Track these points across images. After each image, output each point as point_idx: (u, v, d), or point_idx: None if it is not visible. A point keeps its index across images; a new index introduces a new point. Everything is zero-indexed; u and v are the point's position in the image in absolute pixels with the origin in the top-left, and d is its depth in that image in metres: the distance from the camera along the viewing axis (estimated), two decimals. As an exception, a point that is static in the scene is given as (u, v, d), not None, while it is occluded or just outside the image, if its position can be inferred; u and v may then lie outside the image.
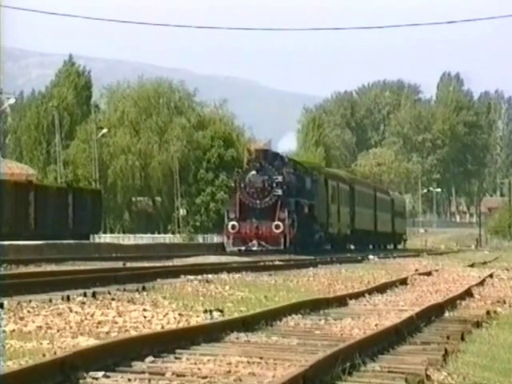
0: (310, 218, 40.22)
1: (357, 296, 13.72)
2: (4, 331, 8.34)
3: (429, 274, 21.83)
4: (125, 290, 13.28)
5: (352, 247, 52.14)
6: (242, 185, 37.86)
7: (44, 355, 6.73)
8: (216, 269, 19.60)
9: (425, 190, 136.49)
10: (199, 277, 16.89)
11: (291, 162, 41.93)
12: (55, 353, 6.86)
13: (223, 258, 27.16)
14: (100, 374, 6.16)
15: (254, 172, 37.97)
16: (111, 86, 78.71)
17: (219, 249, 38.57)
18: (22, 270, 18.50)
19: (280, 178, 37.72)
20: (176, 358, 7.12)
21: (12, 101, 66.62)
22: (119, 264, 21.41)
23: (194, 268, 19.67)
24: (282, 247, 36.27)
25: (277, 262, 25.48)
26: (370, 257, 34.89)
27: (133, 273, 17.03)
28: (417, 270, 24.43)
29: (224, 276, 17.86)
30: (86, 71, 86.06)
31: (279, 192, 37.37)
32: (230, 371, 6.50)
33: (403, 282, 18.08)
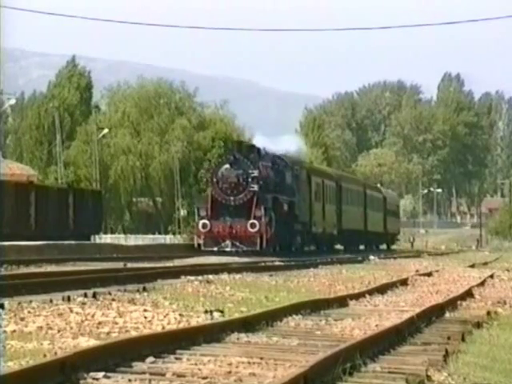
0: (290, 217, 37.07)
1: (357, 296, 13.72)
2: (5, 331, 8.34)
3: (429, 274, 21.83)
4: (125, 290, 13.29)
5: (341, 248, 49.26)
6: (215, 179, 34.75)
7: (45, 356, 6.73)
8: (216, 269, 19.61)
9: (425, 191, 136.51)
10: (200, 277, 16.90)
11: (269, 155, 38.64)
12: (56, 353, 6.86)
13: (224, 259, 27.15)
14: (100, 374, 6.16)
15: (227, 166, 34.77)
16: (112, 86, 78.74)
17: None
18: (23, 270, 18.51)
19: (256, 173, 34.54)
20: (176, 358, 7.12)
21: (13, 101, 66.68)
22: (120, 264, 21.42)
23: (195, 268, 19.69)
24: (257, 248, 33.37)
25: (277, 263, 25.47)
26: (371, 257, 34.89)
27: (133, 273, 17.05)
28: (417, 270, 24.43)
29: (224, 276, 17.87)
30: (86, 72, 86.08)
31: (255, 187, 34.25)
32: (230, 372, 6.50)
33: (404, 282, 18.08)
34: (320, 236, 42.81)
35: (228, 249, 33.43)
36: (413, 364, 7.27)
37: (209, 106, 76.79)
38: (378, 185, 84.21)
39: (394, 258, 38.61)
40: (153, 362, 6.85)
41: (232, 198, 34.14)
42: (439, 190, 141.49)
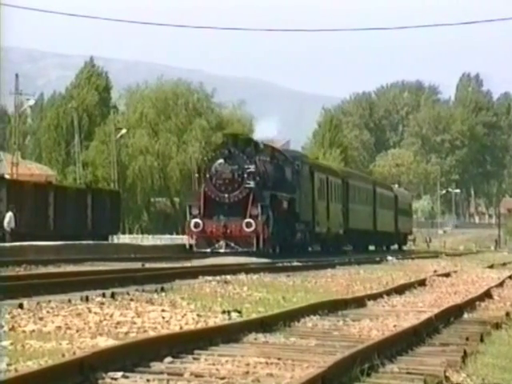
0: (290, 215, 34.61)
1: (375, 297, 13.68)
2: (24, 331, 8.39)
3: (447, 275, 21.76)
4: (143, 290, 13.32)
5: (350, 248, 46.40)
6: (208, 175, 32.35)
7: (63, 355, 6.76)
8: (234, 270, 19.62)
9: (444, 191, 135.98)
10: (217, 278, 16.91)
11: (268, 148, 36.12)
12: (74, 353, 6.88)
13: (241, 259, 27.14)
14: (119, 374, 6.18)
15: (221, 160, 32.31)
16: (130, 87, 78.95)
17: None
18: (42, 270, 18.60)
19: (252, 168, 32.20)
20: (194, 358, 7.13)
21: (32, 102, 66.96)
22: (138, 265, 21.49)
23: (213, 269, 19.70)
24: (254, 249, 31.23)
25: (295, 263, 25.46)
26: (389, 258, 34.82)
27: (151, 273, 17.09)
28: (435, 271, 24.35)
29: (242, 277, 17.87)
30: (105, 72, 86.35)
31: (251, 184, 31.93)
32: (248, 372, 6.50)
33: (422, 283, 18.03)
34: (324, 236, 40.57)
35: (222, 250, 31.42)
36: (431, 365, 7.25)
37: (226, 106, 76.88)
38: (396, 185, 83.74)
39: (412, 258, 38.49)
40: (171, 362, 6.86)
41: (226, 196, 32.07)
42: (457, 191, 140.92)
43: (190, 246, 32.21)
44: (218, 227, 31.68)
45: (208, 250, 31.34)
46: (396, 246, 59.16)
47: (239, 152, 32.54)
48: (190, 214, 32.38)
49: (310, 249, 39.45)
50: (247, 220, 31.40)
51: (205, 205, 32.04)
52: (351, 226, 44.95)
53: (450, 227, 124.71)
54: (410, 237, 67.37)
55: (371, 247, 52.09)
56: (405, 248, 61.04)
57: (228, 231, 31.58)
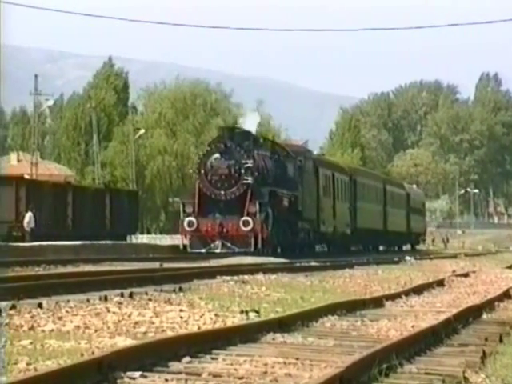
0: (291, 214, 32.61)
1: (393, 297, 13.66)
2: (43, 330, 8.43)
3: (466, 275, 21.67)
4: (161, 290, 13.35)
5: (359, 249, 45.34)
6: (203, 171, 30.48)
7: (82, 355, 6.79)
8: (252, 269, 19.63)
9: (462, 191, 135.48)
10: (235, 277, 16.92)
11: (268, 143, 34.32)
12: (93, 353, 6.91)
13: (259, 259, 27.15)
14: (137, 374, 6.20)
15: (217, 155, 30.48)
16: (148, 87, 79.18)
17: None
18: (61, 270, 18.68)
19: (250, 163, 30.34)
20: (212, 358, 7.14)
21: (51, 102, 67.28)
22: (156, 264, 21.53)
23: (230, 269, 19.72)
24: (252, 249, 29.48)
25: (313, 263, 25.44)
26: (407, 258, 34.74)
27: (169, 273, 17.13)
28: (454, 271, 24.26)
29: (260, 277, 17.87)
30: (123, 73, 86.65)
31: (249, 180, 30.11)
32: (266, 372, 6.51)
33: (440, 283, 17.97)
34: (330, 236, 38.56)
35: (218, 250, 29.63)
36: (450, 365, 7.23)
37: (244, 106, 76.96)
38: (414, 185, 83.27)
39: (431, 258, 38.37)
40: (189, 362, 6.87)
41: (222, 192, 30.26)
42: (476, 191, 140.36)
43: (184, 246, 30.58)
44: (213, 226, 29.96)
45: (203, 251, 29.64)
46: (409, 247, 57.68)
47: (236, 146, 30.68)
48: (184, 212, 30.65)
49: (316, 249, 38.10)
50: (244, 218, 29.63)
51: (199, 202, 30.28)
52: (359, 225, 43.19)
53: (471, 227, 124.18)
54: (428, 237, 66.51)
55: (380, 248, 50.41)
56: (418, 248, 59.46)
57: (224, 230, 29.84)
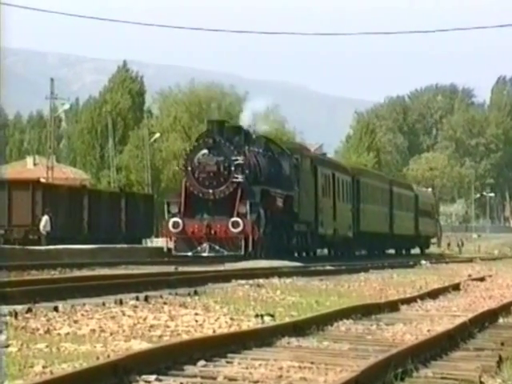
0: (286, 215, 30.75)
1: (409, 301, 13.62)
2: (59, 334, 8.46)
3: (482, 279, 21.59)
4: (177, 294, 13.37)
5: (363, 253, 43.85)
6: (190, 168, 28.58)
7: (97, 358, 6.81)
8: (267, 273, 19.64)
9: (478, 195, 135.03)
10: (250, 281, 16.93)
11: (262, 139, 32.12)
12: (108, 356, 6.93)
13: (274, 263, 27.14)
14: (152, 377, 6.21)
15: (205, 151, 28.49)
16: (163, 91, 79.34)
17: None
18: (76, 273, 18.75)
19: (241, 159, 28.38)
20: (227, 362, 7.14)
21: (67, 106, 67.54)
22: (171, 268, 21.58)
23: (245, 272, 19.73)
24: (242, 252, 27.70)
25: (328, 267, 25.41)
26: (423, 262, 34.67)
27: (185, 277, 17.16)
28: (470, 275, 24.17)
29: (275, 280, 17.87)
30: (138, 77, 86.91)
31: (239, 178, 28.22)
32: (281, 376, 6.51)
33: (456, 287, 17.91)
34: (330, 239, 36.67)
35: (205, 254, 27.82)
36: (466, 370, 7.20)
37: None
38: (430, 189, 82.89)
39: (446, 262, 38.26)
40: (204, 366, 6.88)
41: (210, 191, 28.39)
42: (492, 195, 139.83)
43: (169, 249, 28.74)
44: (200, 227, 27.97)
45: (189, 254, 27.89)
46: (418, 250, 56.11)
47: (226, 141, 28.67)
48: (169, 212, 28.67)
49: (312, 253, 36.23)
50: (234, 219, 27.69)
51: (186, 202, 28.32)
52: (363, 228, 41.41)
53: (487, 232, 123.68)
54: (444, 241, 65.70)
55: (386, 251, 49.17)
56: (428, 252, 57.82)
57: (212, 232, 27.90)
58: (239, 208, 27.87)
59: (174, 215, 28.37)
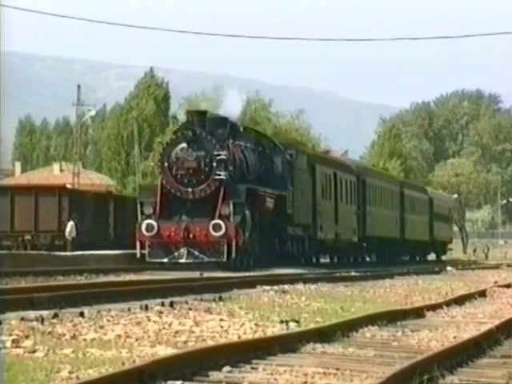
0: (278, 217, 27.80)
1: (434, 308, 13.56)
2: (85, 339, 8.50)
3: (508, 286, 21.42)
4: (202, 299, 13.40)
5: (372, 259, 41.28)
6: (166, 164, 25.49)
7: (123, 364, 6.83)
8: (292, 279, 19.63)
9: (504, 201, 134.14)
10: (275, 287, 16.93)
11: (251, 133, 29.32)
12: (134, 361, 6.95)
13: (299, 269, 27.08)
14: (178, 383, 6.24)
15: (183, 145, 25.43)
16: (189, 97, 79.50)
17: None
18: (102, 279, 18.84)
19: (224, 154, 25.33)
20: (252, 368, 7.15)
21: (93, 113, 67.89)
22: (196, 274, 21.60)
23: (270, 278, 19.72)
24: (224, 258, 24.73)
25: (353, 273, 25.35)
26: (448, 268, 34.51)
27: (209, 283, 17.20)
28: (496, 282, 24.01)
29: (300, 286, 17.86)
30: (164, 83, 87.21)
31: (222, 175, 25.18)
32: (306, 382, 6.50)
33: (482, 294, 17.80)
34: (331, 244, 33.87)
35: (183, 260, 24.89)
36: (492, 377, 7.16)
37: (284, 115, 76.95)
38: (455, 195, 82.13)
39: (472, 269, 38.05)
40: (229, 372, 6.88)
41: (190, 190, 25.36)
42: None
43: (142, 255, 25.37)
44: (177, 230, 24.88)
45: (165, 260, 25.01)
46: (434, 256, 53.73)
47: (207, 134, 25.59)
48: (142, 213, 25.56)
49: (313, 260, 32.99)
50: (215, 221, 24.65)
51: (162, 202, 25.34)
52: (369, 232, 38.18)
53: None
54: (470, 247, 64.34)
55: (400, 258, 45.96)
56: (445, 258, 55.14)
57: (191, 235, 24.87)
58: (221, 209, 24.92)
59: (148, 217, 25.39)
